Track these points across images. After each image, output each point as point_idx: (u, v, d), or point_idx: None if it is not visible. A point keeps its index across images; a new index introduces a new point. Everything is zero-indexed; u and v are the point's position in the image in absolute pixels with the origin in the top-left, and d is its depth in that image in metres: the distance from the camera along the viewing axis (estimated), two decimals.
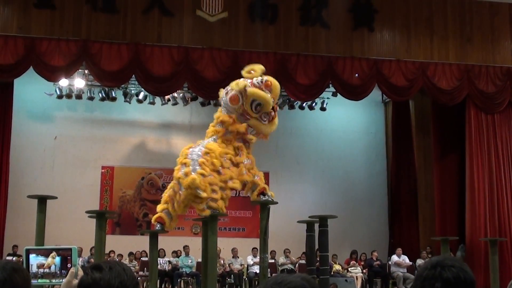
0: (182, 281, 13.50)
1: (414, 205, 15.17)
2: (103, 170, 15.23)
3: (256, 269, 12.84)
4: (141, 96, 14.40)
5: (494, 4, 13.60)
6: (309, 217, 9.95)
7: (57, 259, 2.38)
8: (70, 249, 2.38)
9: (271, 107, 9.01)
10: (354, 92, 13.17)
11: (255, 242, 11.75)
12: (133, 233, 14.94)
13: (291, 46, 12.71)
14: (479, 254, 12.80)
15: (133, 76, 12.55)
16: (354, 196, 16.04)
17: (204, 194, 8.56)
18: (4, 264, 1.98)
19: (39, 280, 2.39)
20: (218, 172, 8.84)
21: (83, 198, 14.24)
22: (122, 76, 12.37)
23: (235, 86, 9.00)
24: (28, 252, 2.43)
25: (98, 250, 8.82)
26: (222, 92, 9.27)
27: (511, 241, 12.96)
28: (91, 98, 14.35)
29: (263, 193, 9.37)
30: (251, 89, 8.87)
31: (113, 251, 13.37)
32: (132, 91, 14.43)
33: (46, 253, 2.40)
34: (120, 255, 13.63)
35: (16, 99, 13.04)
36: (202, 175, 8.61)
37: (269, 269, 11.03)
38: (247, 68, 9.29)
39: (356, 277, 13.51)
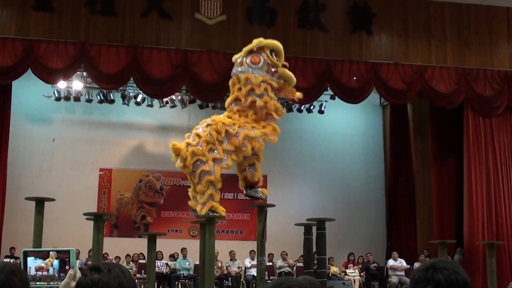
0: (179, 284, 13.49)
1: (412, 208, 15.18)
2: (101, 173, 15.22)
3: (253, 272, 12.84)
4: (139, 99, 14.40)
5: (491, 8, 13.63)
6: (307, 220, 9.95)
7: (55, 261, 2.39)
8: (68, 251, 2.38)
9: (283, 52, 9.13)
10: (352, 95, 13.19)
11: (253, 245, 11.76)
12: (130, 235, 14.93)
13: (289, 49, 12.64)
14: (477, 257, 12.80)
15: (132, 78, 12.56)
16: (352, 199, 16.05)
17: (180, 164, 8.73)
18: (3, 267, 1.98)
19: (37, 283, 2.39)
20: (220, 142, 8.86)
21: (80, 200, 14.23)
22: (120, 78, 12.38)
23: (245, 49, 9.04)
24: (26, 254, 2.44)
25: (96, 253, 8.81)
26: (236, 67, 9.14)
27: (509, 244, 12.98)
28: (89, 101, 14.35)
29: (252, 186, 9.26)
30: (263, 41, 9.00)
31: (106, 254, 13.21)
32: (130, 94, 14.43)
33: (44, 256, 2.41)
34: (118, 257, 13.62)
35: (14, 101, 13.03)
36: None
37: (266, 272, 11.05)
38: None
39: (354, 280, 13.52)
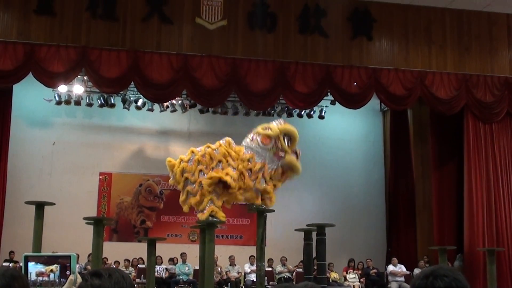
0: None
1: (412, 214, 15.17)
2: (101, 177, 15.21)
3: (253, 277, 12.82)
4: (139, 103, 14.41)
5: (492, 14, 13.65)
6: (307, 225, 9.94)
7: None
8: (69, 256, 2.38)
9: (297, 139, 9.29)
10: (352, 101, 13.19)
11: (253, 250, 11.74)
12: (130, 240, 14.91)
13: (290, 54, 12.74)
14: (477, 263, 12.78)
15: (132, 82, 12.56)
16: (352, 204, 16.03)
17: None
18: (4, 272, 1.98)
19: None
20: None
21: (80, 205, 14.21)
22: (121, 82, 12.38)
23: (261, 130, 9.19)
24: (26, 259, 2.43)
25: (96, 257, 8.80)
26: (246, 139, 9.44)
27: (509, 250, 12.96)
28: (89, 105, 14.36)
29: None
30: (281, 125, 9.16)
31: (106, 258, 13.13)
32: (131, 98, 14.45)
33: (45, 261, 2.40)
34: (117, 262, 13.59)
35: (15, 105, 13.04)
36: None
37: (266, 277, 11.03)
38: (263, 125, 9.46)
39: (354, 285, 13.49)
